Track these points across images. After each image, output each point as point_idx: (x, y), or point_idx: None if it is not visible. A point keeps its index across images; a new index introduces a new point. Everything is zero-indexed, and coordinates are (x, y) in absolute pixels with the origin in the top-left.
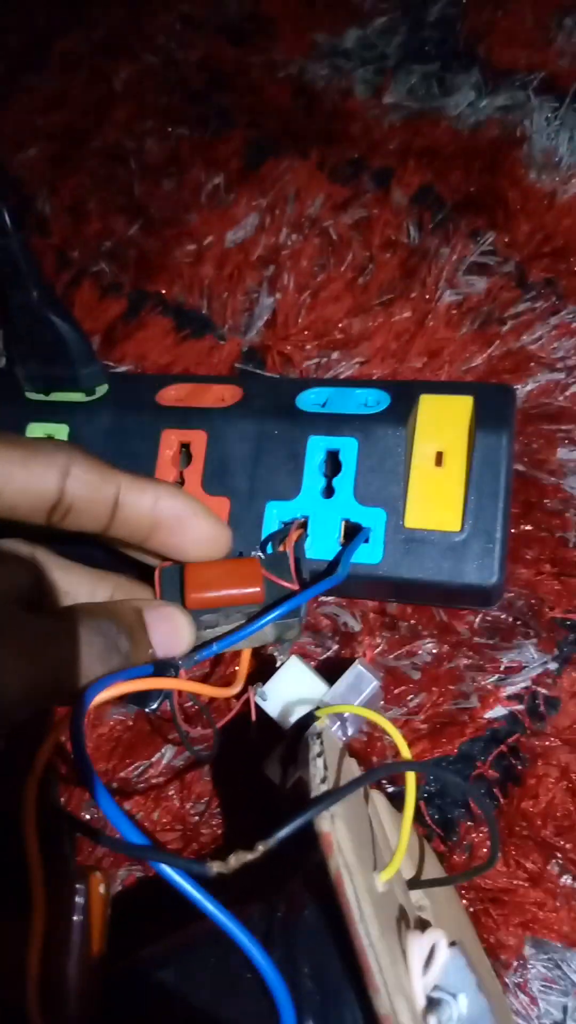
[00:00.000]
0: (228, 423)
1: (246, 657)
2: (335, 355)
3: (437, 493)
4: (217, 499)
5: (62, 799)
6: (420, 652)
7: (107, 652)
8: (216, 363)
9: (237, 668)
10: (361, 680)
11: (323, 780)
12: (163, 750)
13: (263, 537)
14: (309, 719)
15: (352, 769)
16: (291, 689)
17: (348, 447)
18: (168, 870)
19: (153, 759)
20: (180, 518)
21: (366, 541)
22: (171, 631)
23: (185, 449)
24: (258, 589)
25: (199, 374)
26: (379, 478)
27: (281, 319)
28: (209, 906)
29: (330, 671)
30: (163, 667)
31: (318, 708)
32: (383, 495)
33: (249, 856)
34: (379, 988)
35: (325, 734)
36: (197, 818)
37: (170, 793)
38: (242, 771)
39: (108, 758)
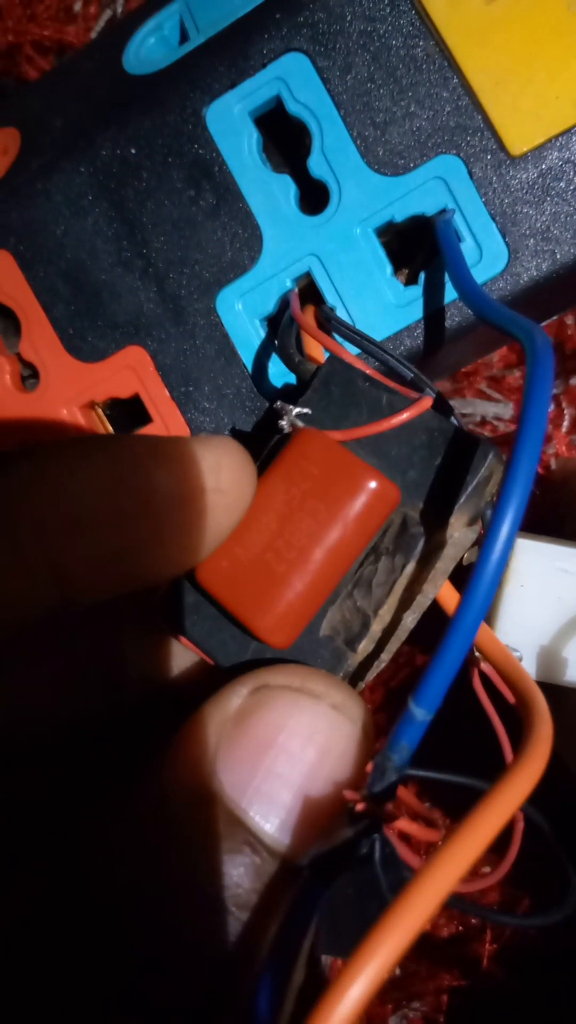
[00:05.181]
0: (34, 201)
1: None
2: None
3: (535, 44)
4: (117, 358)
5: None
6: None
7: None
8: None
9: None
10: None
11: None
12: None
13: (249, 370)
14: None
15: None
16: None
17: (294, 74)
18: None
19: None
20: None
21: (454, 240)
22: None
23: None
24: (373, 485)
25: None
26: (391, 90)
27: None
28: None
29: None
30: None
31: None
32: (429, 122)
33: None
34: None
35: None
36: None
37: None
38: None
39: None
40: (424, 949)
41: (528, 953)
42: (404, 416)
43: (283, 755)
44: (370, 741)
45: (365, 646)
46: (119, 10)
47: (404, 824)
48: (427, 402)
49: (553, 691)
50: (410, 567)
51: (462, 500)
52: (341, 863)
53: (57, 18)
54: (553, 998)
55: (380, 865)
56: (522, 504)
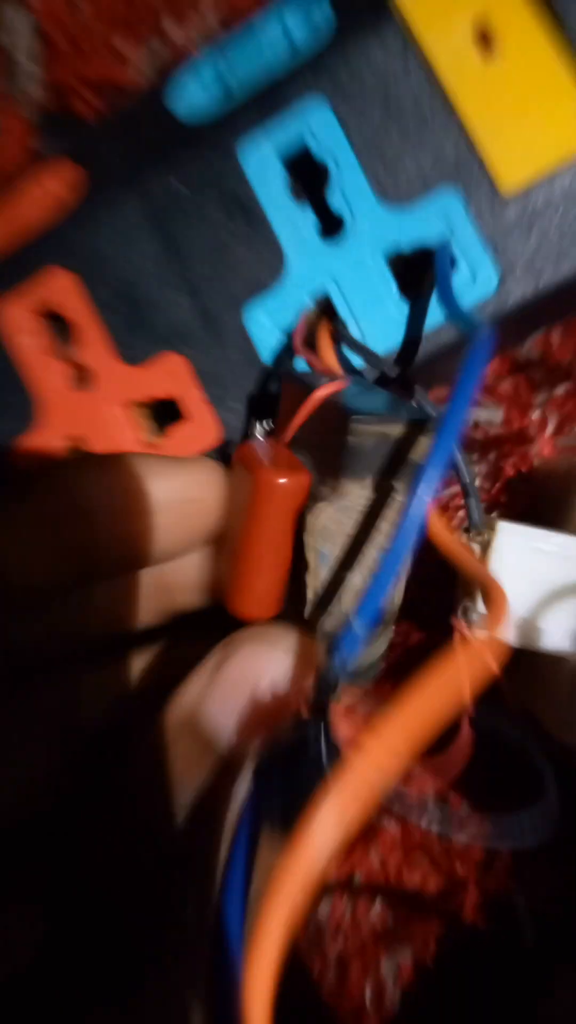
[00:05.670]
0: (97, 230)
1: None
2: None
3: (526, 100)
4: (159, 363)
5: None
6: None
7: None
8: None
9: None
10: None
11: None
12: None
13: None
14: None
15: None
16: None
17: (317, 122)
18: None
19: None
20: None
21: (452, 265)
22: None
23: (58, 324)
24: (263, 478)
25: None
26: (401, 136)
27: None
28: None
29: None
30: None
31: None
32: (433, 165)
33: None
34: None
35: None
36: None
37: None
38: None
39: None
40: (413, 901)
41: (509, 905)
42: (311, 401)
43: (247, 690)
44: (311, 664)
45: (308, 609)
46: (158, 49)
47: (346, 727)
48: (335, 385)
49: (532, 657)
50: (308, 537)
51: (342, 466)
52: (291, 757)
53: (101, 55)
54: (536, 946)
55: (324, 750)
56: (453, 438)
